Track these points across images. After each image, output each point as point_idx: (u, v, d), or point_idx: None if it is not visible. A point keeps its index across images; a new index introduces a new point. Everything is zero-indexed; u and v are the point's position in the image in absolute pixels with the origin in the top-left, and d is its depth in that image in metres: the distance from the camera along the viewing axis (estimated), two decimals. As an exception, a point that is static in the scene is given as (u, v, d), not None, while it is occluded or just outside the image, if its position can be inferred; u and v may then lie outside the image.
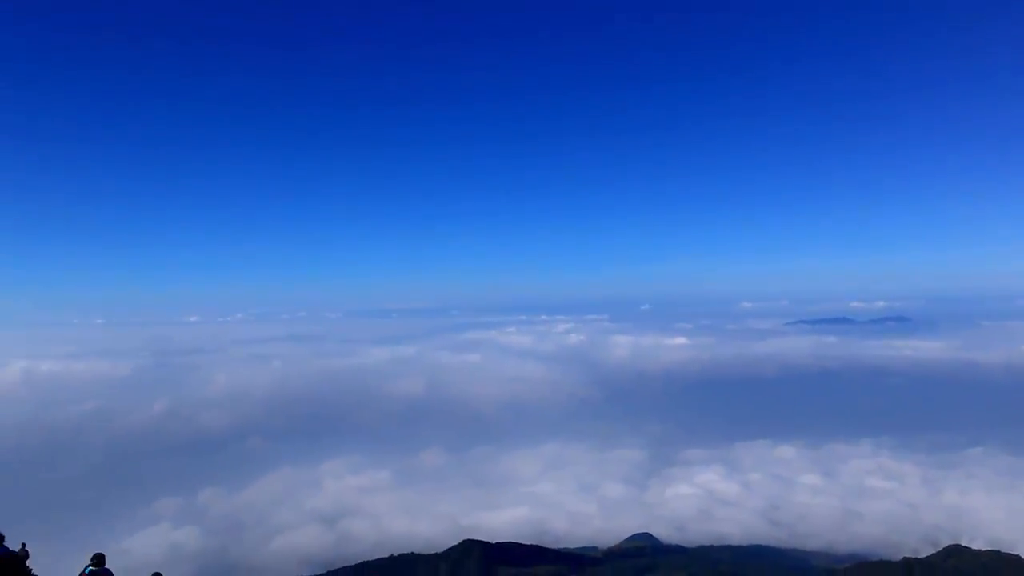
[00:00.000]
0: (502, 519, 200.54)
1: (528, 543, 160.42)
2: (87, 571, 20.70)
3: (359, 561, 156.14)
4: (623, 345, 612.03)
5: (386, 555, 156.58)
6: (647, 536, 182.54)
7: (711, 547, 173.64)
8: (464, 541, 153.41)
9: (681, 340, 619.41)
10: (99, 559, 20.86)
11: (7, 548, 19.58)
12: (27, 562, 21.35)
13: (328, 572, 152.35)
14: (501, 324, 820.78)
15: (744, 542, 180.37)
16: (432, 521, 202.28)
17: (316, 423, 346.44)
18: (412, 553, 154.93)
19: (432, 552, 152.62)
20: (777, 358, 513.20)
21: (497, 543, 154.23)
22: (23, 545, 21.05)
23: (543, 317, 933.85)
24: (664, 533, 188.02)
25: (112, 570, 21.16)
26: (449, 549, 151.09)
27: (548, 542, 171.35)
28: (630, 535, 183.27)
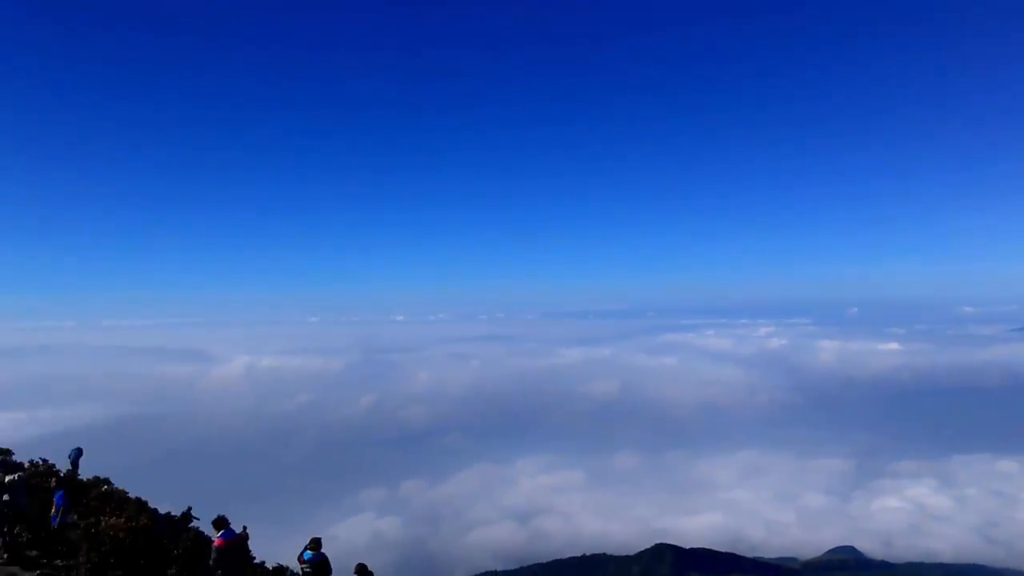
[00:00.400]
0: (695, 524, 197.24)
1: (723, 550, 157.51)
2: (305, 555, 22.29)
3: (552, 559, 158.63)
4: (828, 350, 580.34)
5: (578, 554, 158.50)
6: (850, 549, 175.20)
7: (920, 564, 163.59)
8: (656, 544, 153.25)
9: (893, 346, 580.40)
10: (316, 543, 22.31)
11: (232, 530, 21.42)
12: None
13: (520, 568, 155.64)
14: (699, 327, 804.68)
15: (956, 560, 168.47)
16: (624, 523, 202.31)
17: (512, 421, 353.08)
18: (604, 554, 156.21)
19: (624, 554, 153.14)
20: (1002, 366, 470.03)
21: (690, 548, 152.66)
22: (244, 528, 22.81)
23: (743, 321, 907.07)
24: (869, 547, 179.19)
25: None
26: (641, 552, 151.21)
27: (743, 550, 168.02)
28: (832, 547, 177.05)
